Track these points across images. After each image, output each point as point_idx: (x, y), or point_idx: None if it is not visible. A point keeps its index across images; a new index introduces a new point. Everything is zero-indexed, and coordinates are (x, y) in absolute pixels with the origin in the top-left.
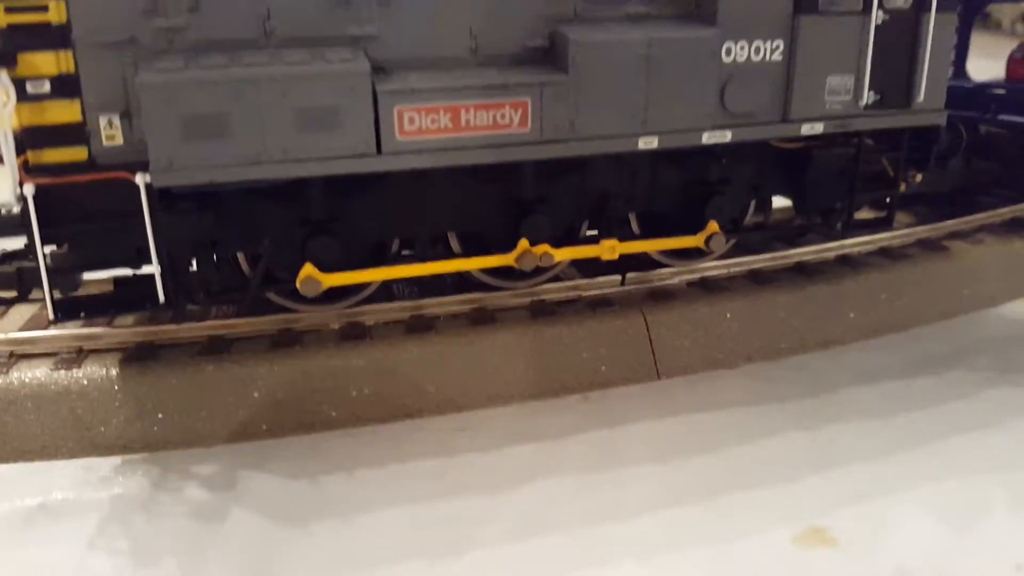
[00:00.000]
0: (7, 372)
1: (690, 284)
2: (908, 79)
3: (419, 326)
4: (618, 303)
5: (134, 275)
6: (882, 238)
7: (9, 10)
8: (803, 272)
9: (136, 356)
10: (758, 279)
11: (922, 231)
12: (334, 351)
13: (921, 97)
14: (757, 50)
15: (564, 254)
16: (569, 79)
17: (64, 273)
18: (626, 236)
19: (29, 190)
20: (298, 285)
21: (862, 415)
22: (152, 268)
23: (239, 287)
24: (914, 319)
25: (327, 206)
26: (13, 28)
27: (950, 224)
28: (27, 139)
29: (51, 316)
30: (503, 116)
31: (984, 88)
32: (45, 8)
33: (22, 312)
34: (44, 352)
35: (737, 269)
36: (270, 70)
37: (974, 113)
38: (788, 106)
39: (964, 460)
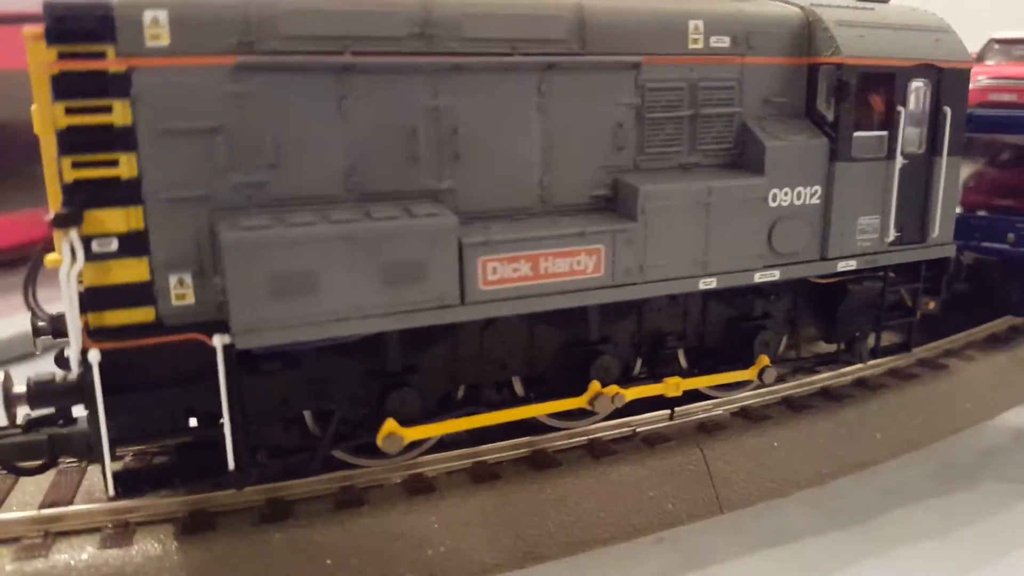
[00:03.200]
0: (47, 555)
1: (733, 415)
2: (923, 216)
3: (484, 474)
4: (673, 438)
5: (194, 441)
6: (889, 360)
7: (77, 165)
8: (830, 397)
9: (191, 527)
10: (792, 406)
11: (921, 351)
12: (406, 508)
13: (936, 232)
14: (799, 195)
15: (633, 393)
16: (638, 226)
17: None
18: (675, 371)
19: (95, 357)
20: (380, 442)
21: (920, 536)
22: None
23: (306, 447)
24: (930, 435)
25: (403, 358)
26: (80, 184)
27: (943, 343)
28: (89, 300)
29: (110, 491)
30: (579, 263)
31: (964, 218)
32: (115, 163)
33: (36, 483)
34: (82, 528)
35: (771, 397)
36: (360, 227)
37: (960, 241)
38: (826, 245)
39: None
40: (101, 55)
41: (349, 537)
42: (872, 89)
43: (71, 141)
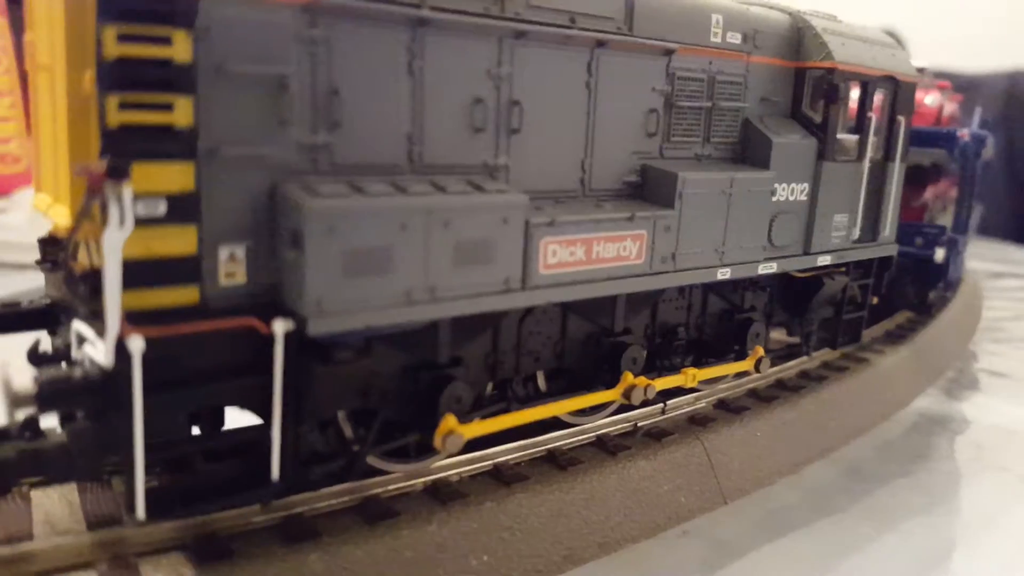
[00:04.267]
0: None
1: (714, 407)
2: (876, 217)
3: (510, 477)
4: (673, 431)
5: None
6: (823, 355)
7: (125, 106)
8: (786, 388)
9: (206, 554)
10: (760, 397)
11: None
12: (444, 518)
13: (886, 231)
14: (792, 191)
15: (662, 384)
16: (674, 213)
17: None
18: (682, 363)
19: (137, 345)
20: (438, 442)
21: (910, 513)
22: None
23: (343, 451)
24: (869, 422)
25: (451, 349)
26: (128, 129)
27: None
28: (127, 276)
29: (140, 515)
30: (625, 248)
31: None
32: (170, 107)
33: None
34: (64, 567)
35: (740, 390)
36: (438, 200)
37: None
38: (809, 240)
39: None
40: None
41: (392, 552)
42: (851, 95)
43: (122, 75)
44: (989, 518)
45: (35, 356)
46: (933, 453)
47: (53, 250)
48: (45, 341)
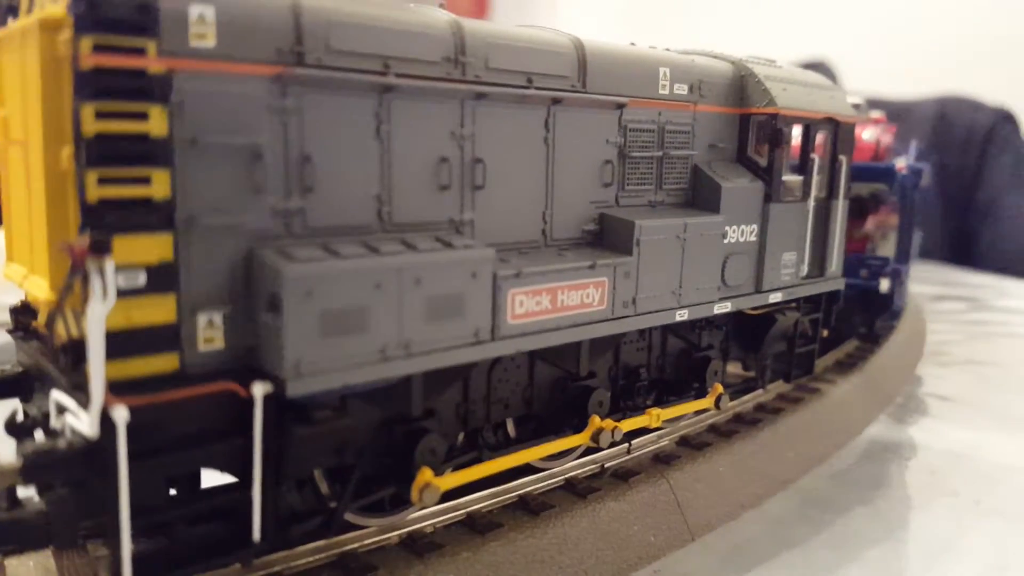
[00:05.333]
0: None
1: (677, 444)
2: (823, 253)
3: (483, 525)
4: (639, 470)
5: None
6: (777, 387)
7: (104, 181)
8: (744, 422)
9: None
10: (720, 432)
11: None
12: (422, 570)
13: (832, 267)
14: (743, 233)
15: (627, 425)
16: (633, 259)
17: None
18: (645, 404)
19: (122, 415)
20: (415, 496)
21: (870, 541)
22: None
23: (321, 508)
24: (825, 451)
25: (424, 401)
26: (107, 204)
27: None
28: (109, 346)
29: None
30: (588, 295)
31: None
32: (147, 180)
33: None
34: None
35: (701, 426)
36: (409, 259)
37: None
38: (761, 278)
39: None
40: (142, 51)
41: None
42: (794, 133)
43: (100, 152)
44: (946, 543)
45: (13, 427)
46: (887, 480)
47: (26, 318)
48: (18, 410)
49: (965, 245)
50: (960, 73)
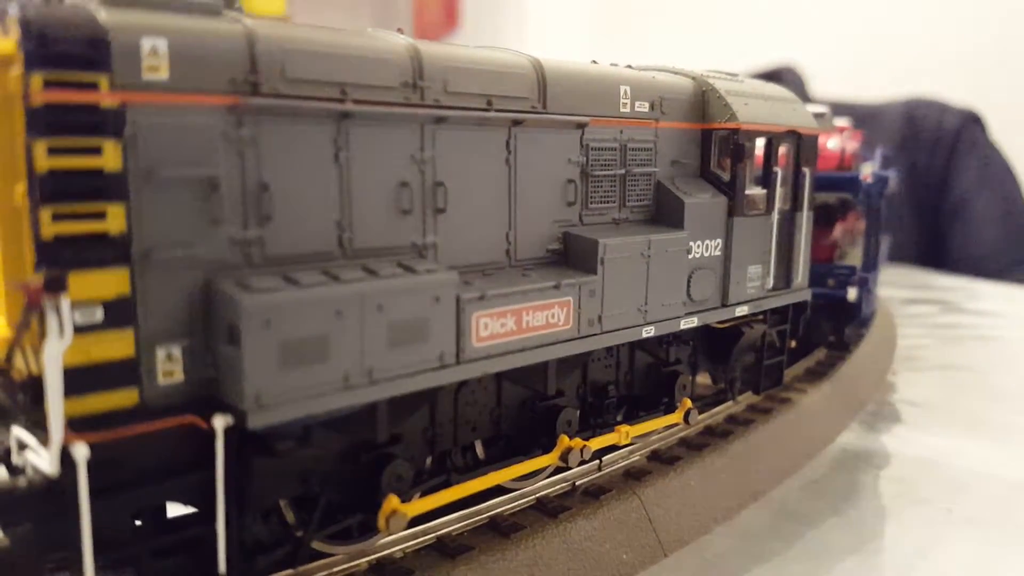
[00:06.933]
0: None
1: (648, 459)
2: (788, 264)
3: (453, 549)
4: (610, 488)
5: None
6: (747, 398)
7: (59, 217)
8: (714, 434)
9: None
10: (690, 445)
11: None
12: None
13: (798, 278)
14: (707, 247)
15: (597, 443)
16: (598, 278)
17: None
18: (614, 420)
19: (82, 452)
20: (382, 523)
21: (843, 552)
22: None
23: (287, 538)
24: (796, 462)
25: (389, 427)
26: (62, 240)
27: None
28: (67, 383)
29: None
30: (553, 315)
31: None
32: (103, 215)
33: None
34: None
35: (671, 440)
36: (370, 285)
37: None
38: (726, 292)
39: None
40: (93, 86)
41: None
42: (755, 152)
43: (53, 188)
44: (919, 552)
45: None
46: (859, 490)
47: None
48: None
49: (935, 247)
50: (927, 76)
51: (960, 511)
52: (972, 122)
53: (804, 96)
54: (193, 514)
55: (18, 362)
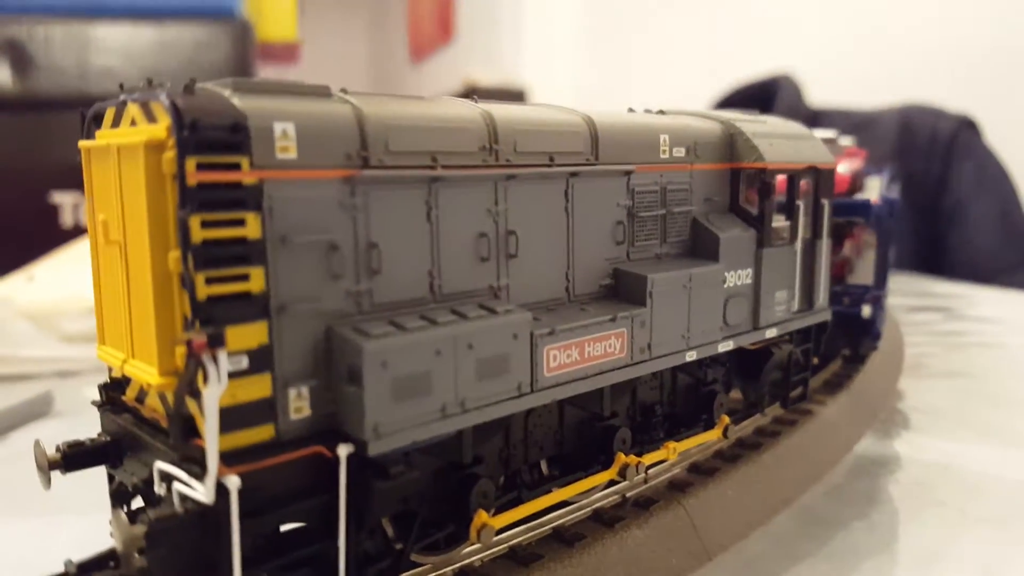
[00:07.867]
0: None
1: (687, 471)
2: (811, 288)
3: (525, 557)
4: (658, 499)
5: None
6: (773, 410)
7: (211, 281)
8: (745, 446)
9: None
10: (725, 457)
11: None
12: None
13: (820, 300)
14: (739, 277)
15: (649, 459)
16: (647, 310)
17: None
18: (654, 439)
19: (234, 483)
20: (474, 534)
21: (868, 553)
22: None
23: (388, 551)
24: (820, 469)
25: (474, 449)
26: (214, 300)
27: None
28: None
29: None
30: (610, 345)
31: None
32: (247, 277)
33: None
34: None
35: (708, 452)
36: (463, 327)
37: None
38: (757, 317)
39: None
40: (237, 166)
41: None
42: (780, 187)
43: (206, 256)
44: (937, 553)
45: (118, 496)
46: (879, 494)
47: (115, 394)
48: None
49: (934, 253)
50: (922, 82)
51: (973, 512)
52: (967, 127)
53: (801, 104)
54: (301, 530)
55: (151, 402)
